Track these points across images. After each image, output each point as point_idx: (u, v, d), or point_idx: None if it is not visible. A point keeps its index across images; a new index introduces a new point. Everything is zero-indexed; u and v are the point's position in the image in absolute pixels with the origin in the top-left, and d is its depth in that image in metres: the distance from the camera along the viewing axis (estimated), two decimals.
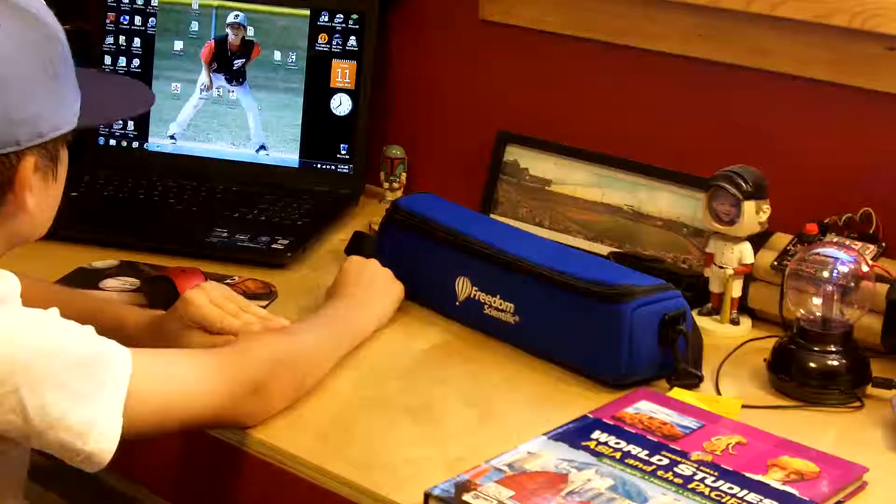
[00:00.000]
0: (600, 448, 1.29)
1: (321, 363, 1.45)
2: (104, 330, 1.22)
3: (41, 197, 1.22)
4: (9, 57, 1.16)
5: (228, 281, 1.69)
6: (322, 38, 2.05)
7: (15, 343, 1.14)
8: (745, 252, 1.62)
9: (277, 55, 2.07)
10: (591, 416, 1.37)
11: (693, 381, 1.48)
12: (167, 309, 1.47)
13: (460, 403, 1.43)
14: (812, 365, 1.47)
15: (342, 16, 2.05)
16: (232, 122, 2.08)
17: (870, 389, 1.47)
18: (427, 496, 1.21)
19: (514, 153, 1.93)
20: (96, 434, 1.16)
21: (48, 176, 1.22)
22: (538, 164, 1.91)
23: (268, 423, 1.36)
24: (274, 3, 2.07)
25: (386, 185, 2.02)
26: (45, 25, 1.20)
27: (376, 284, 1.60)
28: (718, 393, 1.48)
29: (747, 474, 1.25)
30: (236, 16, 2.08)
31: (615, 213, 1.83)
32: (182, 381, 1.27)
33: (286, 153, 2.06)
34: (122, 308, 1.51)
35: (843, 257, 1.49)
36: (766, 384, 1.50)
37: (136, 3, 2.11)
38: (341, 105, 2.05)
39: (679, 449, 1.30)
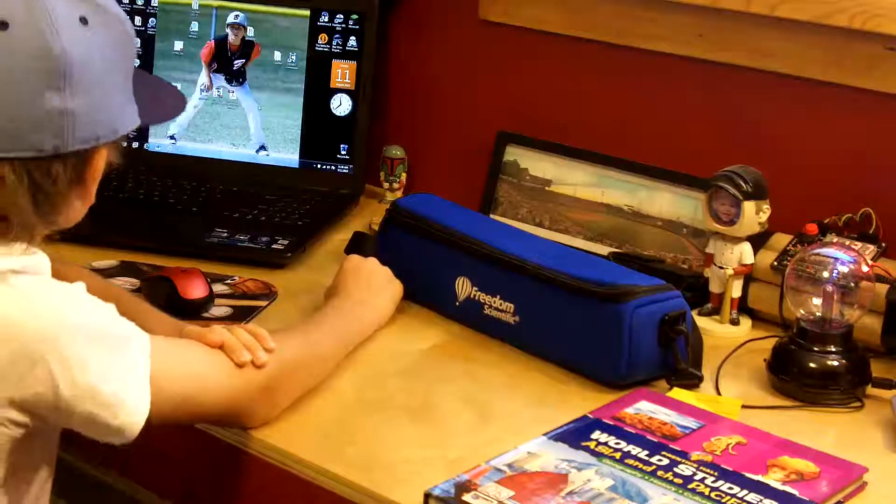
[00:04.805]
0: (600, 448, 1.29)
1: (326, 364, 1.45)
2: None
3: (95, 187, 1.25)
4: (100, 59, 1.18)
5: (228, 281, 1.69)
6: (322, 39, 2.05)
7: (44, 314, 1.16)
8: (745, 252, 1.62)
9: (277, 55, 2.07)
10: (591, 416, 1.37)
11: (693, 381, 1.48)
12: (167, 309, 1.47)
13: (460, 403, 1.43)
14: (812, 365, 1.47)
15: (342, 16, 2.05)
16: (232, 123, 2.08)
17: (870, 389, 1.47)
18: (427, 496, 1.22)
19: (514, 153, 1.93)
20: (127, 407, 1.18)
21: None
22: (538, 164, 1.91)
23: (268, 422, 1.36)
24: (274, 4, 2.07)
25: (386, 185, 2.02)
26: (122, 23, 1.22)
27: (375, 282, 1.60)
28: (718, 393, 1.48)
29: (747, 474, 1.26)
30: (236, 16, 2.08)
31: (615, 213, 1.83)
32: (200, 373, 1.28)
33: (286, 153, 2.06)
34: (151, 314, 1.50)
35: (842, 257, 1.49)
36: (766, 384, 1.50)
37: (136, 4, 2.10)
38: (341, 105, 2.05)
39: (679, 449, 1.30)
